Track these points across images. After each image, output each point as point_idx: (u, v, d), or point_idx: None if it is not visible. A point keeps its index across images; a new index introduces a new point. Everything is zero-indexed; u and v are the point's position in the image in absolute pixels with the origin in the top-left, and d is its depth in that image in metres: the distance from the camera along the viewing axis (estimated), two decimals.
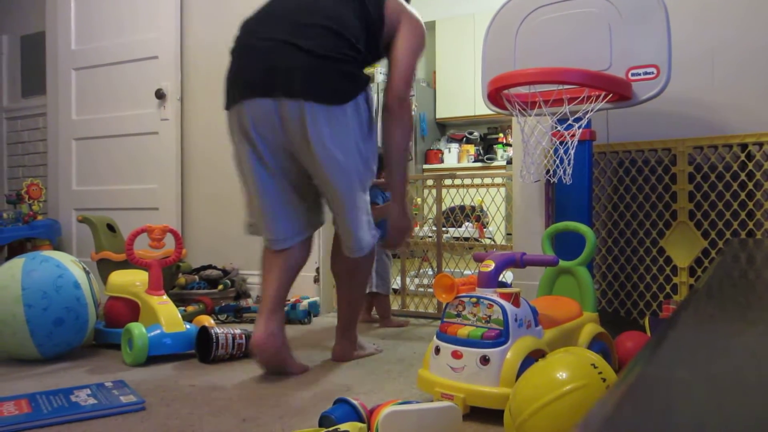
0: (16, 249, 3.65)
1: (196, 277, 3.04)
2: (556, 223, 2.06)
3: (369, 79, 1.87)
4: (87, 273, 2.18)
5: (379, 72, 6.49)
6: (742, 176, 2.11)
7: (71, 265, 2.12)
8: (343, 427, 1.24)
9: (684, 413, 0.34)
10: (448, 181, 2.92)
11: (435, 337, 1.58)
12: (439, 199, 2.84)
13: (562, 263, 1.85)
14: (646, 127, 2.30)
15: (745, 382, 0.40)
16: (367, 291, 2.67)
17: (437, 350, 1.55)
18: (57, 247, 3.68)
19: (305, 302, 2.76)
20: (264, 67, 1.77)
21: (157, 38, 3.48)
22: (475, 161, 6.24)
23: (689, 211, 2.19)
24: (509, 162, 5.67)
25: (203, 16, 3.43)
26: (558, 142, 2.02)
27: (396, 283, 3.10)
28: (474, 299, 1.55)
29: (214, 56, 3.39)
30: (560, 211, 2.15)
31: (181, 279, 2.95)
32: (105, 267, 2.63)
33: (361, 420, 1.30)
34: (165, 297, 2.20)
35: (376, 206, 2.68)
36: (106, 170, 3.67)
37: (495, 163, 6.04)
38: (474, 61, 5.94)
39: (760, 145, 2.10)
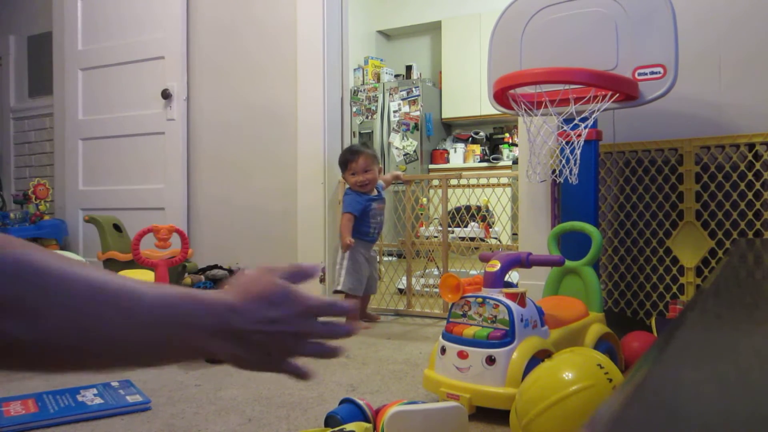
0: None
1: (202, 277, 3.05)
2: (562, 223, 2.05)
3: None
4: None
5: (385, 72, 6.50)
6: (750, 176, 2.10)
7: None
8: (348, 427, 1.24)
9: (691, 414, 0.34)
10: (453, 181, 2.91)
11: (441, 337, 1.58)
12: (444, 199, 2.84)
13: (568, 263, 1.84)
14: (652, 126, 2.29)
15: (752, 382, 0.40)
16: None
17: (443, 350, 1.55)
18: (63, 247, 3.70)
19: None
20: None
21: (163, 38, 3.49)
22: (480, 161, 6.23)
23: (696, 211, 2.18)
24: (515, 162, 5.66)
25: (209, 17, 3.44)
26: (564, 142, 2.02)
27: (401, 282, 3.10)
28: (480, 299, 1.54)
29: (220, 56, 3.40)
30: (566, 211, 2.15)
31: (187, 279, 2.95)
32: (111, 267, 2.64)
33: (366, 420, 1.30)
34: None
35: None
36: (113, 170, 3.69)
37: (501, 163, 6.03)
38: (480, 61, 5.93)
39: None
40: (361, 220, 2.67)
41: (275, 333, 0.69)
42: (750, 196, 2.10)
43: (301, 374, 0.74)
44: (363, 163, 2.64)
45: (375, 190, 2.73)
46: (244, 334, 0.67)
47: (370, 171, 2.66)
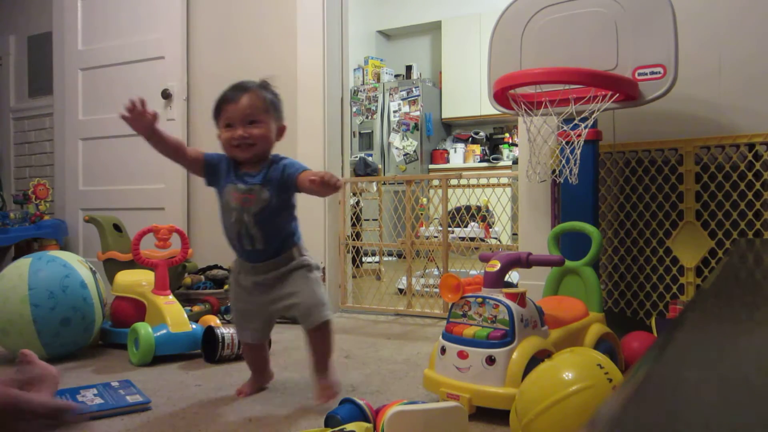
0: (23, 249, 3.67)
1: (202, 277, 3.05)
2: (562, 223, 2.05)
3: None
4: (93, 273, 2.19)
5: (385, 72, 6.50)
6: (750, 176, 2.10)
7: (78, 265, 2.12)
8: (349, 427, 1.24)
9: (691, 414, 0.34)
10: (453, 181, 2.91)
11: (441, 337, 1.58)
12: (444, 199, 2.84)
13: (568, 263, 1.84)
14: (652, 126, 2.29)
15: (752, 382, 0.40)
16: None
17: (443, 350, 1.55)
18: (64, 247, 3.69)
19: None
20: None
21: (163, 38, 3.49)
22: (480, 161, 6.23)
23: (696, 211, 2.18)
24: (515, 162, 5.66)
25: (209, 17, 3.44)
26: (564, 142, 2.02)
27: (402, 283, 3.10)
28: (480, 299, 1.54)
29: (220, 56, 3.40)
30: (566, 211, 2.15)
31: (187, 279, 2.95)
32: (111, 267, 2.63)
33: (366, 420, 1.30)
34: (171, 297, 2.21)
35: None
36: (113, 170, 3.69)
37: (501, 163, 6.03)
38: (480, 61, 5.93)
39: None
40: (221, 212, 1.76)
41: None
42: (750, 196, 2.10)
43: None
44: (245, 108, 1.60)
45: (258, 167, 1.65)
46: None
47: (257, 124, 1.61)
